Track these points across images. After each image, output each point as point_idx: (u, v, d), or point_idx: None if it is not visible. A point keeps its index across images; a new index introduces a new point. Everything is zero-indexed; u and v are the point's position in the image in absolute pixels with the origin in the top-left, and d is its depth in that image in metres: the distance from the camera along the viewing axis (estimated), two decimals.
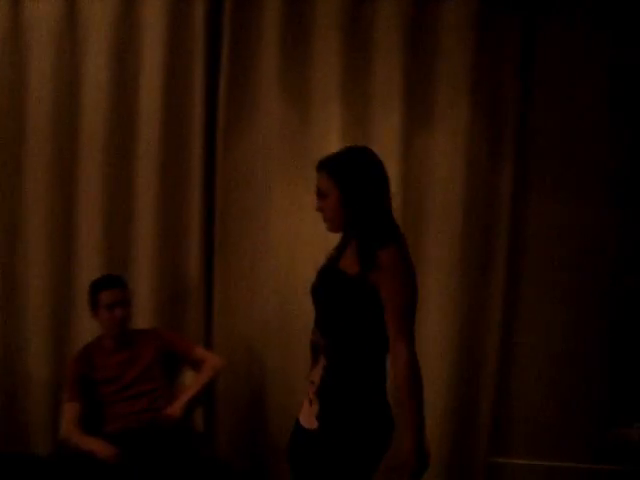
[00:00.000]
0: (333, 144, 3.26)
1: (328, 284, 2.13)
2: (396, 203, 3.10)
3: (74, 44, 3.41)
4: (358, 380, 2.07)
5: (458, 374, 3.37)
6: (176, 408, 2.94)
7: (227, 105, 3.34)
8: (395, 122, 3.26)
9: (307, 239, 3.33)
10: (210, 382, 3.13)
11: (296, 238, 3.36)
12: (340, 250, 2.19)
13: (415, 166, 3.29)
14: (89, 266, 3.46)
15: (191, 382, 3.12)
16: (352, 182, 2.06)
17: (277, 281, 3.40)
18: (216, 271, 3.43)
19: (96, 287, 3.02)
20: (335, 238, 2.27)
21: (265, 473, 3.50)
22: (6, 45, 3.43)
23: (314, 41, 3.31)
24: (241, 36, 3.32)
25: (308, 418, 2.13)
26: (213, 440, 3.47)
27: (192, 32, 3.35)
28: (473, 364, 3.38)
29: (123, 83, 3.40)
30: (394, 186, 3.09)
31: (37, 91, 3.43)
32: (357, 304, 2.04)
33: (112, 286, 3.00)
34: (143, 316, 3.37)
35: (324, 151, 3.17)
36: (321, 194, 2.12)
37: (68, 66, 3.42)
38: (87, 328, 3.30)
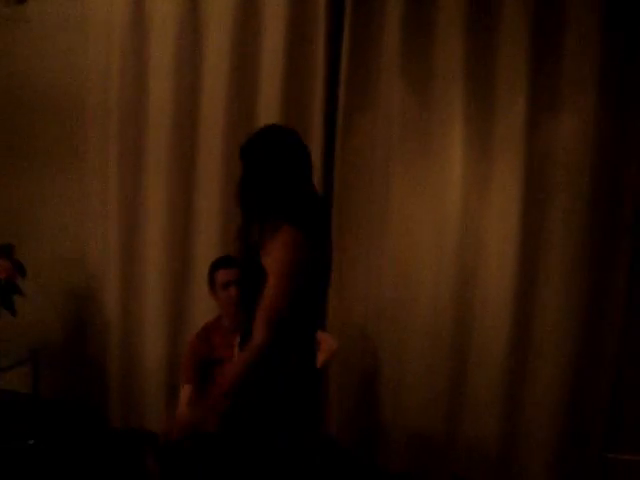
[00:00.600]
0: (455, 129, 3.24)
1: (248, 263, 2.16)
2: (521, 188, 3.10)
3: (195, 31, 3.47)
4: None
5: (573, 367, 3.27)
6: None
7: (348, 90, 3.34)
8: (520, 106, 3.19)
9: (427, 225, 3.33)
10: (326, 363, 3.10)
11: (415, 223, 3.35)
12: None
13: (540, 152, 3.21)
14: (208, 247, 3.52)
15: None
16: (248, 162, 2.11)
17: (394, 266, 3.39)
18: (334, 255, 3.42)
19: (213, 266, 3.07)
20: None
21: (374, 455, 3.51)
22: (129, 34, 3.51)
23: (436, 25, 3.26)
24: (363, 20, 3.31)
25: None
26: (324, 421, 3.50)
27: (313, 16, 3.36)
28: (590, 357, 3.29)
29: (243, 68, 3.43)
30: (518, 171, 3.13)
31: (159, 79, 3.51)
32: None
33: (228, 265, 3.03)
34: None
35: (446, 136, 3.22)
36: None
37: (189, 54, 3.48)
38: (204, 310, 3.36)
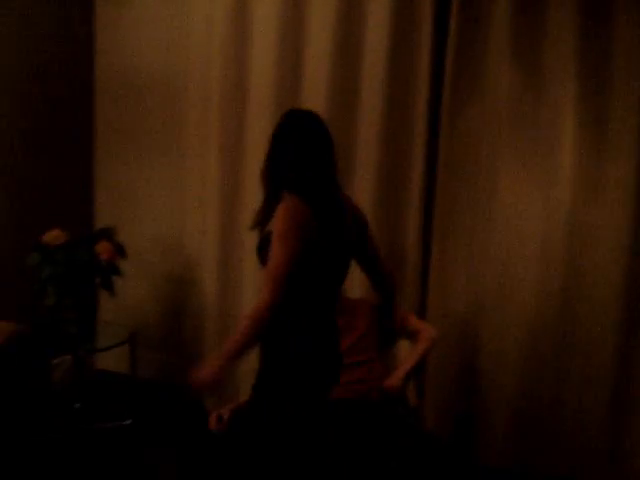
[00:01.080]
0: (567, 116, 3.07)
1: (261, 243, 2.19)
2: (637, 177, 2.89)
3: (297, 10, 3.42)
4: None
5: None
6: (396, 379, 2.84)
7: (454, 74, 3.21)
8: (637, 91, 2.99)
9: (534, 215, 3.19)
10: (427, 353, 3.02)
11: (522, 213, 3.20)
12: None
13: None
14: None
15: (407, 353, 3.04)
16: (273, 142, 2.18)
17: (497, 257, 3.26)
18: (434, 243, 3.33)
19: None
20: None
21: (471, 448, 3.39)
22: (231, 14, 3.49)
23: (547, 7, 3.10)
24: (470, 2, 3.16)
25: None
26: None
27: (419, 9, 3.24)
28: None
29: (346, 49, 3.35)
30: (634, 159, 2.97)
31: (260, 63, 3.48)
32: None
33: None
34: (360, 287, 3.33)
35: (556, 123, 3.06)
36: None
37: (292, 35, 3.42)
38: None
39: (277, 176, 2.18)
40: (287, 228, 2.03)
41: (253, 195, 3.52)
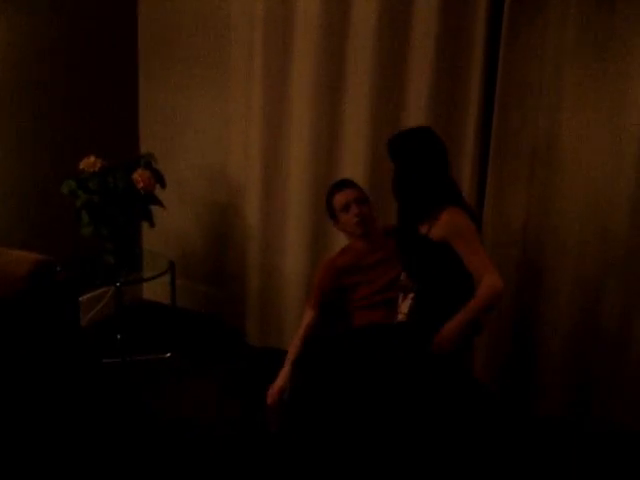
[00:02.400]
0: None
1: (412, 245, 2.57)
2: None
3: None
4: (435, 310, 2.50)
5: None
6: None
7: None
8: None
9: (602, 137, 2.90)
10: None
11: (589, 136, 2.91)
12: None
13: None
14: (353, 165, 3.32)
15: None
16: (405, 159, 2.49)
17: (563, 180, 3.00)
18: (490, 174, 3.08)
19: (328, 195, 2.90)
20: None
21: (526, 399, 3.21)
22: None
23: None
24: None
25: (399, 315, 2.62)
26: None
27: None
28: None
29: None
30: None
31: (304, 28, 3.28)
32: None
33: (342, 187, 2.86)
34: None
35: (628, 39, 2.73)
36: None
37: None
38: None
39: (421, 186, 2.48)
40: (473, 229, 2.46)
41: (297, 125, 3.40)
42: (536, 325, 3.15)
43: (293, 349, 2.78)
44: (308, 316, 2.87)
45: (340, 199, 2.82)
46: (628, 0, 2.75)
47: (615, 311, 2.98)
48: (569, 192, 2.99)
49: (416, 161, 2.47)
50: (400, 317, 2.63)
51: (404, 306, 2.63)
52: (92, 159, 3.19)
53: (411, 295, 2.59)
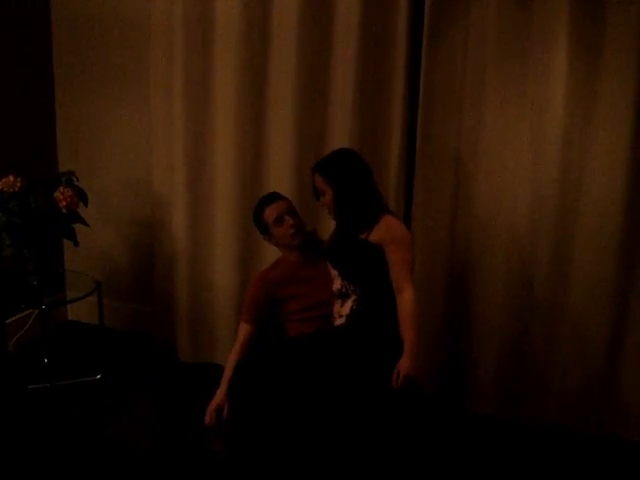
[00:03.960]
0: (559, 42, 2.85)
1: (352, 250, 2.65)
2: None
3: None
4: (379, 309, 2.60)
5: None
6: (408, 363, 2.44)
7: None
8: (633, 16, 2.75)
9: (524, 142, 3.00)
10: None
11: (511, 141, 3.01)
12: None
13: None
14: (277, 178, 3.32)
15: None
16: (341, 181, 2.61)
17: (484, 192, 3.09)
18: (417, 179, 3.15)
19: (258, 211, 2.88)
20: None
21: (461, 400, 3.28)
22: None
23: None
24: None
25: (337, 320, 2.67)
26: None
27: None
28: None
29: None
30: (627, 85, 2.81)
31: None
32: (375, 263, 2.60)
33: (271, 201, 2.85)
34: None
35: (549, 49, 2.84)
36: (320, 192, 2.67)
37: None
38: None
39: (360, 203, 2.62)
40: (409, 236, 2.63)
41: (221, 135, 3.37)
42: (468, 324, 3.22)
43: (229, 366, 2.75)
44: (243, 331, 2.83)
45: (271, 212, 2.81)
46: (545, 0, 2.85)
47: (545, 305, 3.09)
48: (494, 192, 3.07)
49: (353, 182, 2.61)
50: (338, 321, 2.65)
51: (343, 309, 2.64)
52: (11, 179, 3.09)
53: (352, 298, 2.63)
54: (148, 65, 3.54)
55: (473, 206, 3.12)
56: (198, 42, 3.33)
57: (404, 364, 2.42)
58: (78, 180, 3.30)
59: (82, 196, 3.26)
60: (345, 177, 2.62)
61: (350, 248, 2.66)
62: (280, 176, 3.31)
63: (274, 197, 2.88)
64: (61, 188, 3.15)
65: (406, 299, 2.50)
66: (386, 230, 2.58)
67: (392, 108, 3.13)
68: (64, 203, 3.12)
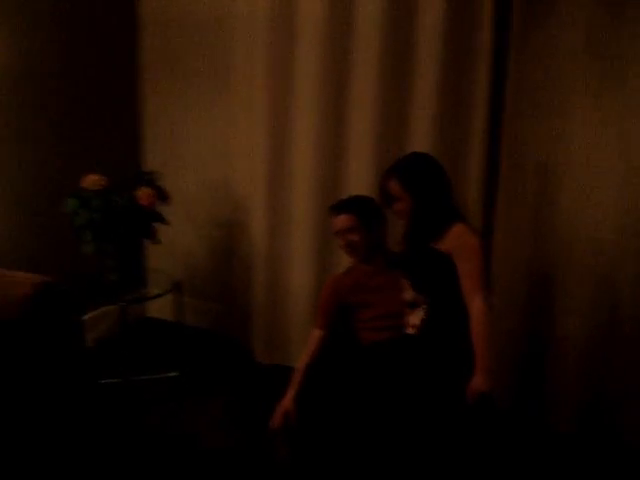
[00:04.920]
0: None
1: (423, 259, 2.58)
2: None
3: None
4: (449, 320, 2.50)
5: None
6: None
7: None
8: None
9: (612, 156, 2.82)
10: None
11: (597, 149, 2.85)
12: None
13: None
14: (358, 177, 3.28)
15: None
16: (421, 189, 2.53)
17: (570, 203, 2.94)
18: (500, 190, 3.04)
19: (330, 211, 2.83)
20: None
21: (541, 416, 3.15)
22: None
23: None
24: None
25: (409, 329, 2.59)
26: None
27: None
28: None
29: None
30: None
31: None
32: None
33: (337, 212, 2.77)
34: None
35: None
36: (394, 198, 2.58)
37: None
38: None
39: (437, 213, 2.53)
40: (477, 246, 2.47)
41: (302, 138, 3.36)
42: (549, 341, 3.08)
43: (299, 371, 2.72)
44: (315, 336, 2.80)
45: (333, 225, 2.78)
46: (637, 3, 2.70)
47: (629, 325, 2.91)
48: (580, 203, 2.93)
49: (433, 192, 2.54)
50: (410, 330, 2.58)
51: (414, 319, 2.57)
52: (95, 177, 3.16)
53: (423, 307, 2.55)
54: (231, 68, 3.56)
55: (557, 218, 2.98)
56: (280, 45, 3.33)
57: (476, 381, 2.32)
58: (160, 180, 3.34)
59: (162, 195, 3.31)
60: (426, 186, 2.54)
61: (421, 257, 2.58)
62: (360, 179, 3.26)
63: (340, 209, 2.78)
64: (143, 187, 3.20)
65: (477, 310, 2.40)
66: (457, 238, 2.49)
67: (474, 117, 3.05)
68: (144, 202, 3.16)
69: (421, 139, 3.10)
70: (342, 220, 2.74)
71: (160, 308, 4.05)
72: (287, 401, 2.65)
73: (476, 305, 2.41)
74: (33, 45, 3.32)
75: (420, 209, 2.54)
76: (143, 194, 3.17)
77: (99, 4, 3.67)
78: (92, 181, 3.15)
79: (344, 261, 3.15)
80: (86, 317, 3.61)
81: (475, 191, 3.08)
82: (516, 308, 3.09)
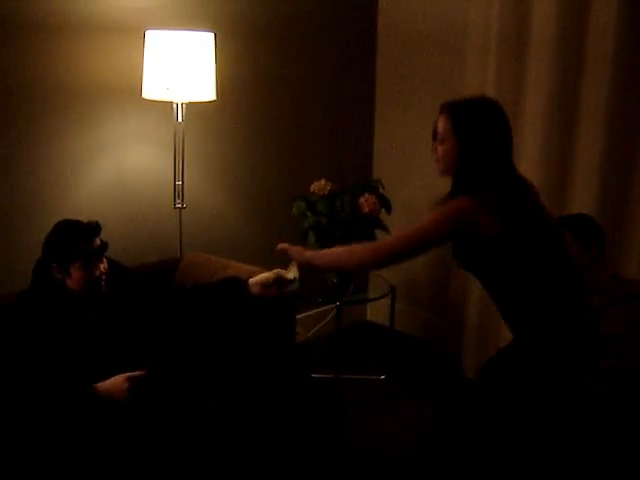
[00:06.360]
0: None
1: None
2: None
3: None
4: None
5: None
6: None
7: None
8: None
9: None
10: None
11: None
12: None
13: None
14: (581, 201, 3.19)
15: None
16: (471, 134, 2.12)
17: None
18: None
19: None
20: None
21: None
22: None
23: None
24: None
25: None
26: None
27: None
28: None
29: None
30: None
31: (542, 16, 3.20)
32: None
33: None
34: None
35: None
36: (439, 137, 2.20)
37: None
38: None
39: (481, 168, 2.14)
40: (436, 219, 2.16)
41: (527, 148, 3.30)
42: None
43: None
44: None
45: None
46: None
47: None
48: None
49: (483, 138, 2.15)
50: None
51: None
52: (323, 182, 3.35)
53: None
54: (461, 78, 3.59)
55: None
56: (512, 58, 3.33)
57: (300, 249, 2.40)
58: (384, 188, 3.46)
59: (385, 204, 3.42)
60: (477, 131, 2.14)
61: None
62: (584, 194, 3.19)
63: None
64: (366, 194, 3.34)
65: (368, 243, 2.36)
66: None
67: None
68: (367, 209, 3.30)
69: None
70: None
71: (378, 312, 4.18)
72: None
73: (373, 243, 2.42)
74: (284, 58, 3.66)
75: (464, 157, 2.15)
76: (366, 201, 3.31)
77: (345, 15, 3.91)
78: (320, 186, 3.35)
79: None
80: (308, 314, 3.84)
81: None
82: None
